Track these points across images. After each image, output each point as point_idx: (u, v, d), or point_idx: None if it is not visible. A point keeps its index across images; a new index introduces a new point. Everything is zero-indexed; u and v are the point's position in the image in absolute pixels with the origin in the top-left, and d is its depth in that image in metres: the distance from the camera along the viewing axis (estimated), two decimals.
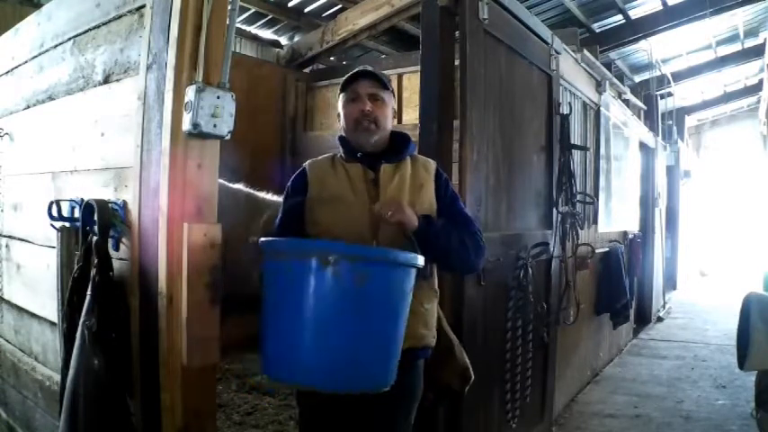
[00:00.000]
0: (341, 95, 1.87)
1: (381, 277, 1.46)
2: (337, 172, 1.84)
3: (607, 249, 4.73)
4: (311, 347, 1.43)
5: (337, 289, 1.41)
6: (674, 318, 7.53)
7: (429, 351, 1.84)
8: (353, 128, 1.82)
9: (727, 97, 11.99)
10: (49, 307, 2.00)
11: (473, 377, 2.04)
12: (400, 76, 4.62)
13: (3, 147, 2.50)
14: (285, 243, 1.59)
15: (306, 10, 5.51)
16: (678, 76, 9.27)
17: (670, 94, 9.30)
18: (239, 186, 2.46)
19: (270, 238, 1.58)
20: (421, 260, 1.55)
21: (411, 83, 4.48)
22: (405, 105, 4.54)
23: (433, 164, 1.92)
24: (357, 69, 1.85)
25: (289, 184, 1.91)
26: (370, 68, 1.85)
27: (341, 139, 1.90)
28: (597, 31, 7.08)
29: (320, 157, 1.93)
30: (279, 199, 2.81)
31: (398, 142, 1.89)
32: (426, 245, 1.66)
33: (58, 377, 1.82)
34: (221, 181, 1.79)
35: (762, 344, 2.88)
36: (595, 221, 4.48)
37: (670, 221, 8.71)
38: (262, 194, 2.58)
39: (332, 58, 5.71)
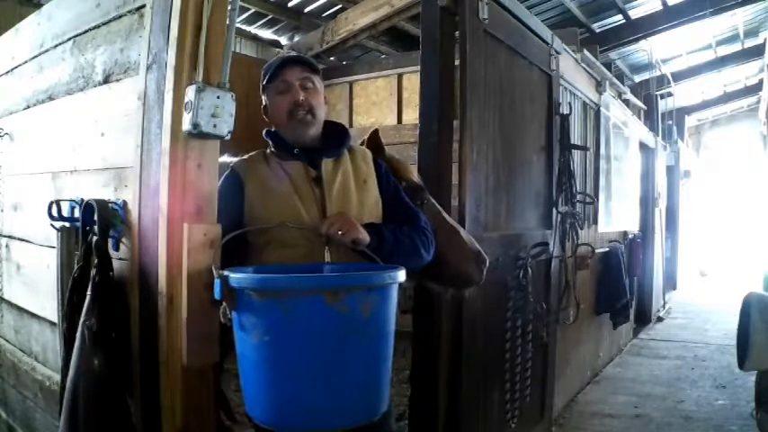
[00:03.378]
0: (267, 86, 1.72)
1: (382, 302, 1.38)
2: (275, 172, 1.68)
3: (607, 249, 4.73)
4: (325, 390, 1.32)
5: (346, 325, 1.30)
6: (674, 318, 7.53)
7: None
8: (287, 120, 1.68)
9: (727, 97, 12.00)
10: (49, 307, 1.99)
11: (488, 260, 1.97)
12: (400, 76, 4.62)
13: (3, 147, 2.50)
14: (280, 281, 1.39)
15: (306, 10, 5.51)
16: (678, 76, 9.27)
17: (670, 94, 9.30)
18: (224, 158, 2.38)
19: (254, 275, 1.39)
20: (404, 273, 1.45)
21: (411, 83, 4.48)
22: (405, 105, 4.54)
23: (369, 153, 1.82)
24: (282, 56, 1.72)
25: (219, 189, 1.62)
26: (295, 54, 1.74)
27: (272, 134, 1.75)
28: (597, 31, 7.08)
29: (247, 156, 1.78)
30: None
31: (335, 134, 1.76)
32: (379, 257, 1.57)
33: (58, 377, 1.82)
34: None
35: (762, 344, 2.89)
36: (595, 221, 4.48)
37: (670, 221, 8.70)
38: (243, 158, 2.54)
39: (332, 58, 5.71)
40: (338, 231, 1.52)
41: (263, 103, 1.78)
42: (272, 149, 1.76)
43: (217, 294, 1.36)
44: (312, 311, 1.29)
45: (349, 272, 1.53)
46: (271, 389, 1.36)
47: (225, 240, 1.48)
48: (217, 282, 1.35)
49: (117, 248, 1.71)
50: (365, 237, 1.55)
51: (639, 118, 7.39)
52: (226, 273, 1.35)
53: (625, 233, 5.44)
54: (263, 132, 1.78)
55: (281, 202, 1.64)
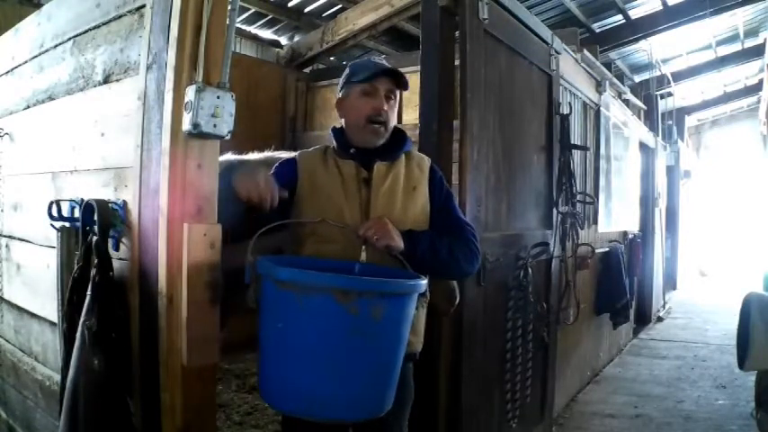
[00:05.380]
0: (355, 85, 1.74)
1: (395, 308, 1.43)
2: (329, 168, 1.74)
3: (607, 249, 4.73)
4: (329, 383, 1.39)
5: (355, 325, 1.36)
6: (674, 318, 7.53)
7: (416, 355, 1.79)
8: (362, 125, 1.72)
9: (727, 97, 12.00)
10: (49, 307, 1.99)
11: (458, 298, 2.01)
12: None
13: (3, 147, 2.50)
14: (295, 274, 1.42)
15: (306, 10, 5.51)
16: (678, 76, 9.27)
17: (670, 94, 9.30)
18: (227, 156, 2.35)
19: (275, 266, 1.43)
20: (424, 285, 1.51)
21: (411, 83, 4.45)
22: (405, 105, 4.51)
23: (427, 161, 1.86)
24: (381, 66, 1.73)
25: (275, 168, 1.77)
26: (390, 65, 1.75)
27: (337, 131, 1.80)
28: (597, 31, 7.08)
29: (311, 149, 1.84)
30: (263, 155, 2.63)
31: (395, 139, 1.81)
32: (412, 264, 1.62)
33: (58, 377, 1.82)
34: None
35: (762, 344, 2.89)
36: (595, 221, 4.48)
37: (670, 221, 8.71)
38: (248, 156, 2.53)
39: (332, 58, 5.71)
40: (373, 236, 1.57)
41: (340, 95, 1.81)
42: (333, 146, 1.80)
43: (246, 278, 1.47)
44: (323, 308, 1.35)
45: (372, 275, 1.55)
46: (277, 372, 1.45)
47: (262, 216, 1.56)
48: (247, 267, 1.46)
49: (117, 248, 1.71)
50: (398, 244, 1.60)
51: (639, 118, 7.39)
52: (254, 259, 1.45)
53: (625, 233, 5.44)
54: (330, 129, 1.84)
55: (326, 199, 1.69)
